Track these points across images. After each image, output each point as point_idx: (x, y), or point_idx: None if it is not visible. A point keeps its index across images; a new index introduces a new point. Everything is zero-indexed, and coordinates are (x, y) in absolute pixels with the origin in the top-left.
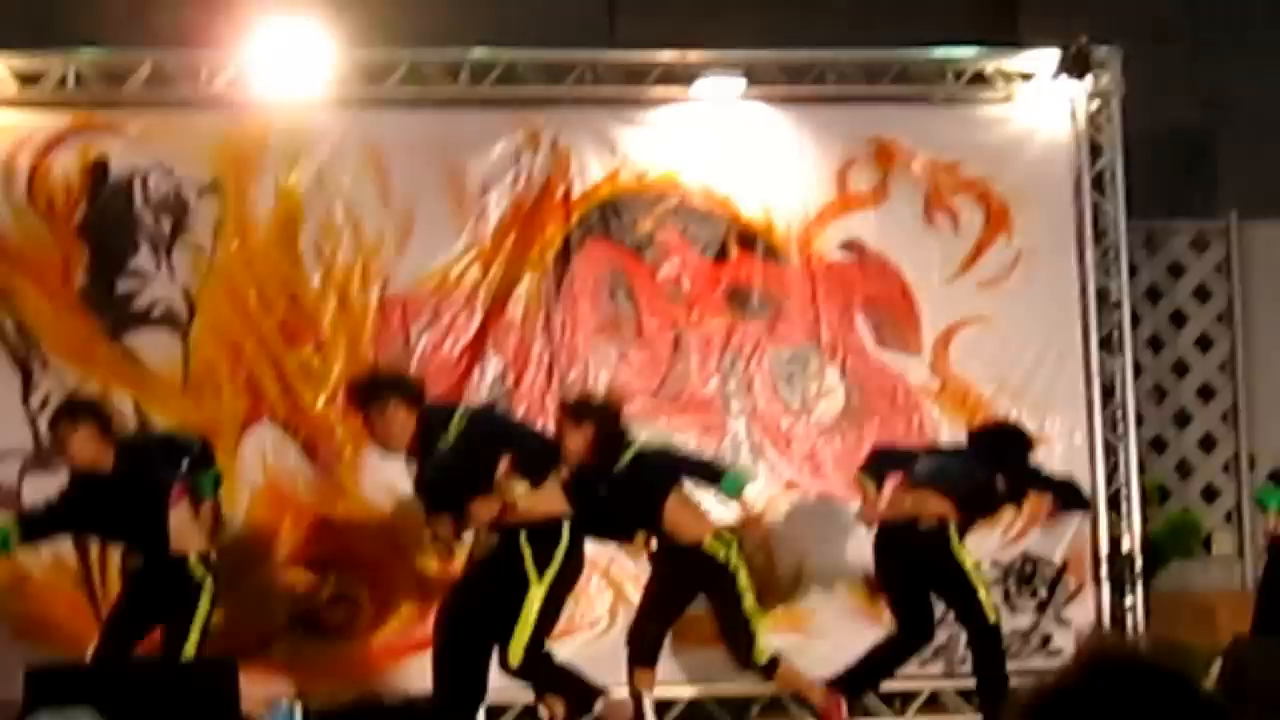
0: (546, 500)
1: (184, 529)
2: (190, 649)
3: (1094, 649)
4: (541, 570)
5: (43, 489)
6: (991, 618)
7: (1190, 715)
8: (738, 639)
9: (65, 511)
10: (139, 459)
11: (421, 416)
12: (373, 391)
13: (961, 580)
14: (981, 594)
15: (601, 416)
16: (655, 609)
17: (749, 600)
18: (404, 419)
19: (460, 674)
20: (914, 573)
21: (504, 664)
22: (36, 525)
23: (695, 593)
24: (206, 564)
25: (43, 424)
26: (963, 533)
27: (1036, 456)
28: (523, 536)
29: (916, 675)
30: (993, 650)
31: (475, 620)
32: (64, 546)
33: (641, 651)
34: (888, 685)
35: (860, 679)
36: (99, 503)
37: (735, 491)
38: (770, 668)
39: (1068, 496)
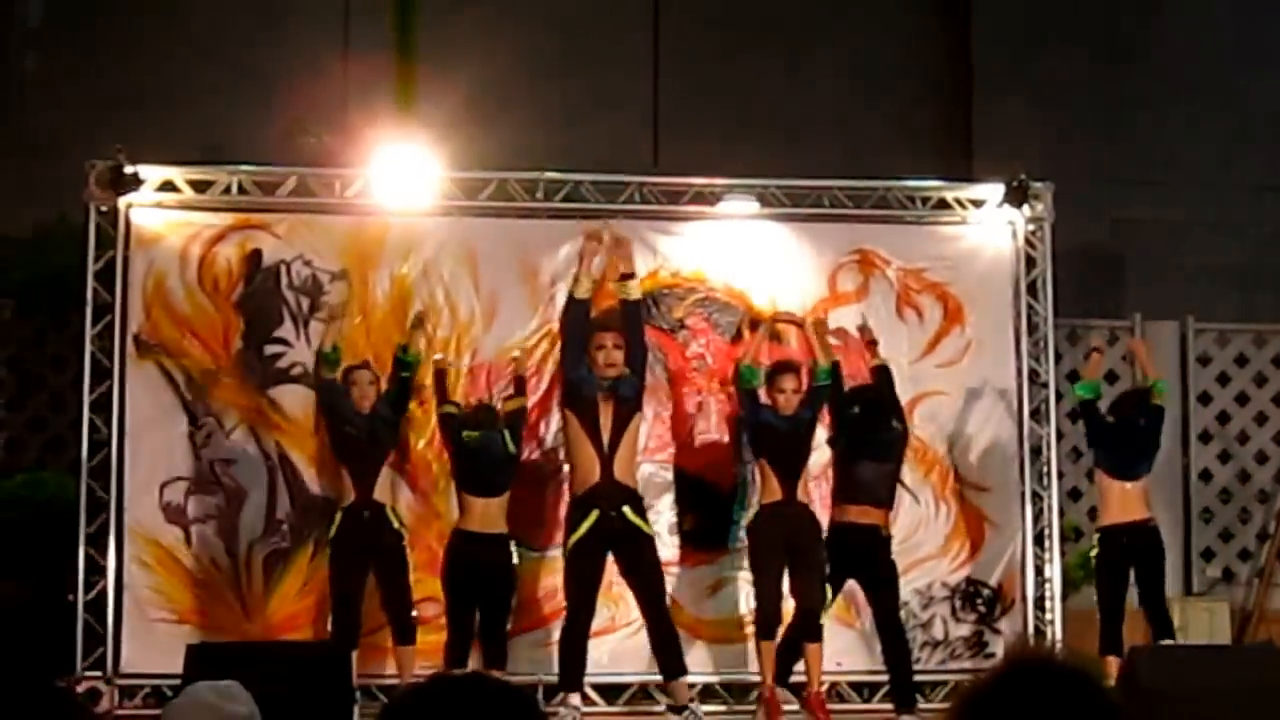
0: None
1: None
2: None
3: (1019, 653)
4: None
5: (203, 507)
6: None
7: (1090, 706)
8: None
9: None
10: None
11: None
12: None
13: None
14: None
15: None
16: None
17: None
18: None
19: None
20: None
21: None
22: None
23: None
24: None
25: (205, 456)
26: None
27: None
28: None
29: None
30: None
31: None
32: (218, 550)
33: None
34: (858, 678)
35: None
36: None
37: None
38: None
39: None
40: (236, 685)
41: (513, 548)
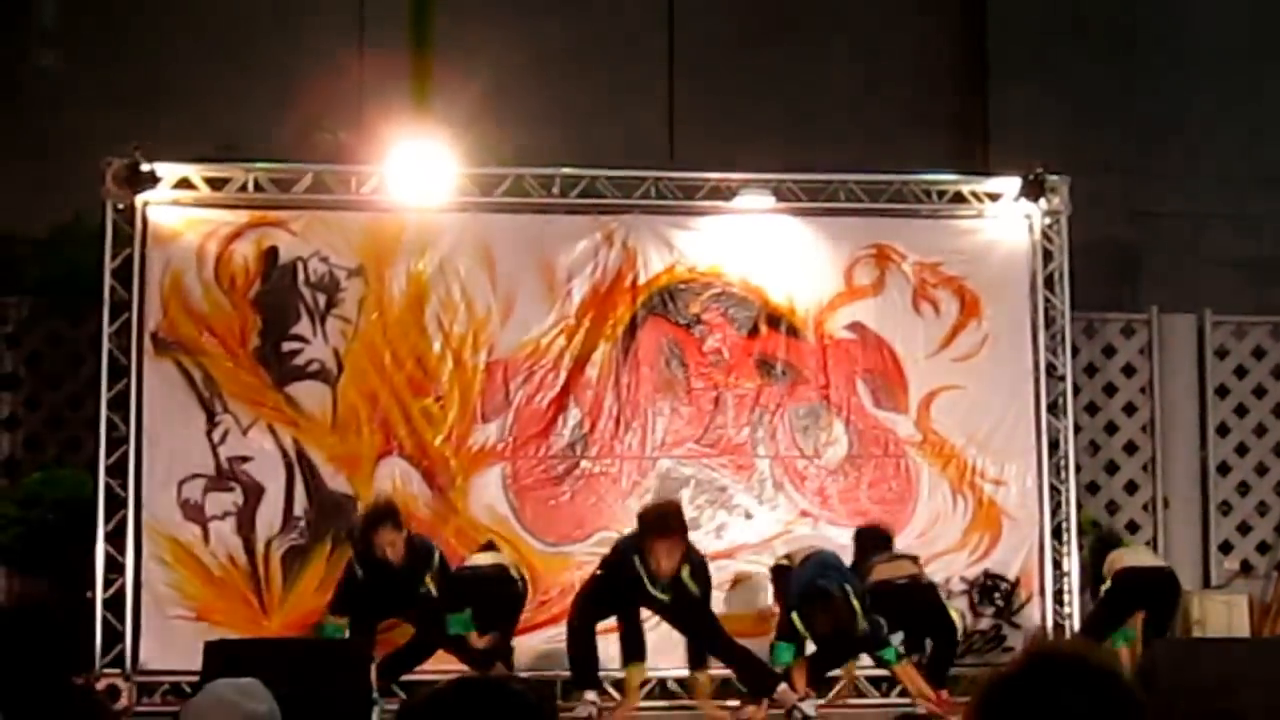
0: None
1: None
2: None
3: (1038, 646)
4: None
5: (221, 504)
6: None
7: (1110, 699)
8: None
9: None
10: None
11: None
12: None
13: None
14: None
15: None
16: None
17: None
18: None
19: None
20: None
21: None
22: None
23: None
24: None
25: (222, 453)
26: None
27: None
28: None
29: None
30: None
31: None
32: (235, 547)
33: None
34: (876, 672)
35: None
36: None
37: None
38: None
39: None
40: (256, 683)
41: (514, 573)
